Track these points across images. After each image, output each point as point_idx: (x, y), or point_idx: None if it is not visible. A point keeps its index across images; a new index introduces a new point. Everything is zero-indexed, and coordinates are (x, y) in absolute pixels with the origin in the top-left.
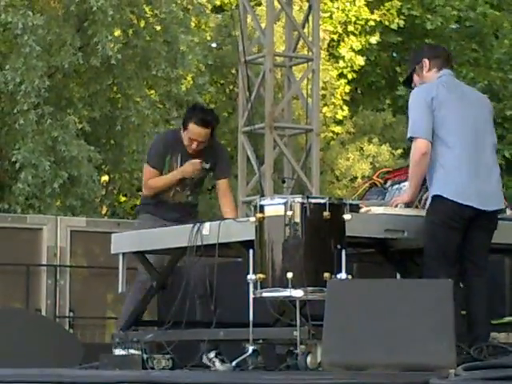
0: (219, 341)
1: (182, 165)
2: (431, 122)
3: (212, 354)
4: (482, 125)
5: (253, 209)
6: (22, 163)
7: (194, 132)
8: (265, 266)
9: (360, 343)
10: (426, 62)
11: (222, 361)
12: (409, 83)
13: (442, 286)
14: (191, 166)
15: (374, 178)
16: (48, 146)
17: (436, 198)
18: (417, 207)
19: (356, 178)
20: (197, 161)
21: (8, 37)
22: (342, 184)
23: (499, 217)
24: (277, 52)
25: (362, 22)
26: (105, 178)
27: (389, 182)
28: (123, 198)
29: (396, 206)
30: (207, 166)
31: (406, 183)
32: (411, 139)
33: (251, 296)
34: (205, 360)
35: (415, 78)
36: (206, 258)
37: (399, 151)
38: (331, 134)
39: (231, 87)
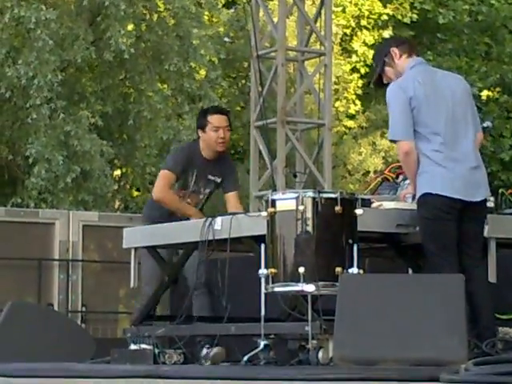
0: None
1: (195, 181)
2: (411, 121)
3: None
4: (460, 113)
5: (264, 203)
6: (35, 158)
7: (216, 120)
8: (276, 261)
9: (371, 338)
10: (395, 49)
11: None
12: (379, 82)
13: (453, 281)
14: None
15: (386, 172)
16: (61, 140)
17: (424, 195)
18: None
19: (368, 172)
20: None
21: (21, 31)
22: (354, 178)
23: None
24: (289, 46)
25: (375, 16)
26: (117, 172)
27: (400, 177)
28: (136, 193)
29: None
30: (218, 180)
31: None
32: (393, 141)
33: (263, 291)
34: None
35: (388, 71)
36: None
37: None
38: (344, 129)
39: (243, 81)
